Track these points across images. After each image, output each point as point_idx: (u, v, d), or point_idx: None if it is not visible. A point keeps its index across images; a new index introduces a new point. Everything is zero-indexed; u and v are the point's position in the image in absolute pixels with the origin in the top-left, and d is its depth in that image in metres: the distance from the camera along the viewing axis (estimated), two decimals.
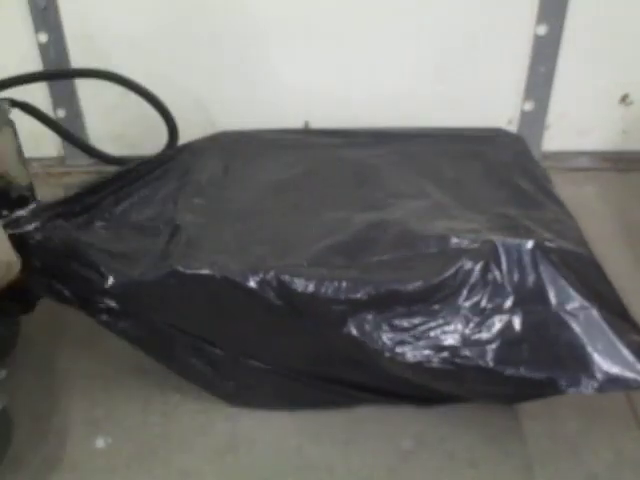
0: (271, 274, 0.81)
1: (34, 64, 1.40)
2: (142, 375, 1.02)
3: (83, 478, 0.89)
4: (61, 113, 1.46)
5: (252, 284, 0.81)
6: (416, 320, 0.80)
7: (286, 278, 0.81)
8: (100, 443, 0.93)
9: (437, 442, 0.92)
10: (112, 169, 1.45)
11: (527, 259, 0.81)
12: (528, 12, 1.35)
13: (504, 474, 0.88)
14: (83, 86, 1.44)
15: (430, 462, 0.89)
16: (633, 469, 0.88)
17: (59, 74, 1.42)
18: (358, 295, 0.80)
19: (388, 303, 0.81)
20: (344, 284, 0.80)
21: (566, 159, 1.50)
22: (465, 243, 0.84)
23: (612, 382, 0.77)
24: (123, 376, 1.02)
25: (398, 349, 0.79)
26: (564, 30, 1.36)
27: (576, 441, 0.91)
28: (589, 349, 0.78)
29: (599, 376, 0.77)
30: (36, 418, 0.95)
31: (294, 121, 1.45)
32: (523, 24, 1.36)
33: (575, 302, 0.79)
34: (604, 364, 0.77)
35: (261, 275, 0.81)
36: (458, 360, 0.79)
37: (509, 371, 0.78)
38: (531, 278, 0.81)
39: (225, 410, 0.96)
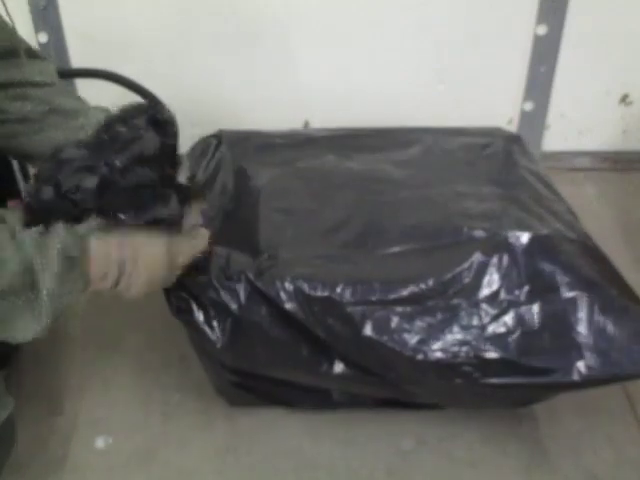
0: (287, 280, 0.80)
1: None
2: (142, 375, 1.02)
3: (83, 478, 0.89)
4: None
5: (269, 291, 0.80)
6: (436, 317, 0.80)
7: (302, 284, 0.80)
8: (100, 443, 0.93)
9: (437, 442, 0.92)
10: None
11: (540, 249, 0.82)
12: (528, 12, 1.35)
13: (504, 474, 0.88)
14: (83, 86, 1.44)
15: (430, 462, 0.89)
16: (633, 469, 0.88)
17: (59, 74, 1.42)
18: (375, 296, 0.80)
19: (405, 301, 0.80)
20: (360, 285, 0.80)
21: (566, 159, 1.50)
22: (479, 235, 0.84)
23: (633, 367, 0.78)
24: (123, 376, 1.02)
25: (419, 347, 0.79)
26: (564, 30, 1.36)
27: (576, 441, 0.91)
28: (609, 336, 0.78)
29: (620, 362, 0.78)
30: (36, 419, 0.95)
31: (294, 121, 1.45)
32: (523, 24, 1.36)
33: (590, 290, 0.80)
34: (624, 349, 0.78)
35: (277, 282, 0.81)
36: (480, 354, 0.78)
37: (531, 360, 0.78)
38: (546, 268, 0.81)
39: (225, 410, 0.96)
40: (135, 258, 0.74)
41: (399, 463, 0.89)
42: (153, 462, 0.91)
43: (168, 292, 0.84)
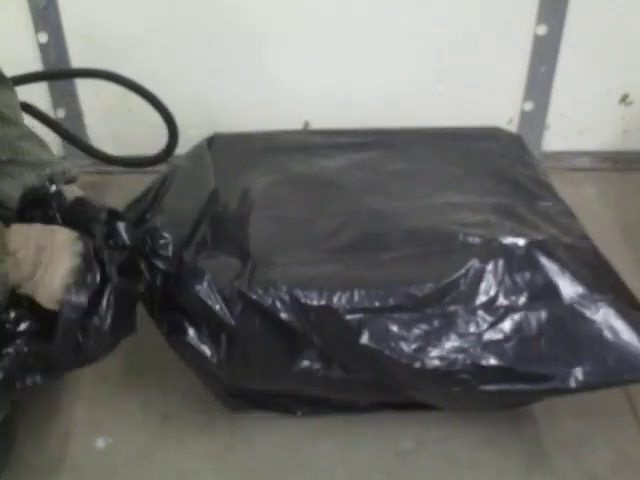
0: (283, 289, 0.80)
1: (34, 64, 1.39)
2: (142, 375, 1.02)
3: (83, 478, 0.89)
4: (61, 113, 1.46)
5: (263, 301, 0.80)
6: (433, 324, 0.79)
7: (297, 292, 0.79)
8: (100, 443, 0.93)
9: (437, 443, 0.92)
10: (112, 169, 1.47)
11: (537, 255, 0.82)
12: (528, 12, 1.35)
13: (504, 475, 0.88)
14: (83, 86, 1.44)
15: (430, 463, 0.89)
16: (633, 469, 0.88)
17: (59, 74, 1.42)
18: (372, 304, 0.79)
19: (402, 309, 0.80)
20: (357, 293, 0.79)
21: (566, 159, 1.50)
22: (474, 241, 0.84)
23: (631, 372, 0.78)
24: (123, 376, 1.02)
25: (416, 355, 0.78)
26: (564, 30, 1.36)
27: (576, 441, 0.91)
28: (607, 341, 0.78)
29: (619, 367, 0.77)
30: (36, 419, 0.95)
31: (294, 121, 1.45)
32: (523, 24, 1.36)
33: (588, 295, 0.80)
34: (622, 354, 0.77)
35: (272, 291, 0.80)
36: (478, 361, 0.78)
37: (529, 367, 0.78)
38: (542, 274, 0.81)
39: (225, 411, 0.96)
40: (52, 249, 0.72)
41: (399, 464, 0.89)
42: (153, 462, 0.90)
43: (157, 312, 0.83)
